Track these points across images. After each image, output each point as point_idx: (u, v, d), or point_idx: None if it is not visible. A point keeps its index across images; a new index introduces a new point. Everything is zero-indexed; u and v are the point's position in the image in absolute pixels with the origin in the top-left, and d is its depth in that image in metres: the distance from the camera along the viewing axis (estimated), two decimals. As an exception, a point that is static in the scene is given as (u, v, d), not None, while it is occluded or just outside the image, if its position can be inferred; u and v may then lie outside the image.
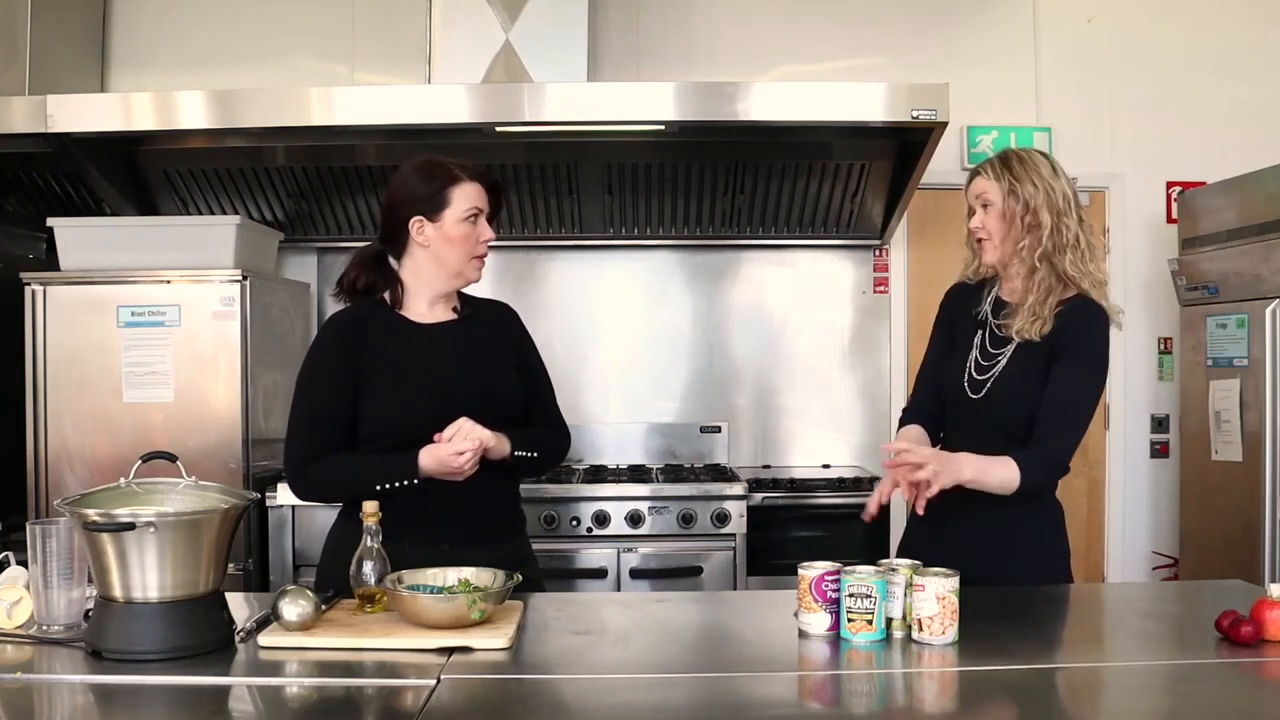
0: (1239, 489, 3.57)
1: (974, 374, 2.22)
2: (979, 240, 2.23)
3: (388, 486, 2.03)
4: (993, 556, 2.13)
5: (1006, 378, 2.17)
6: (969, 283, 2.35)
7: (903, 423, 2.37)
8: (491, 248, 2.23)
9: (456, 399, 2.09)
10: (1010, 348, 2.18)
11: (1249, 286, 3.55)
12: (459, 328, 2.20)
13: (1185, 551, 4.02)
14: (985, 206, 2.20)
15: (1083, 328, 2.14)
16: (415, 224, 2.13)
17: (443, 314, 2.20)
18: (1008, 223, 2.18)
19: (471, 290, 2.27)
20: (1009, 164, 2.19)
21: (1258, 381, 3.50)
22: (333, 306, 4.49)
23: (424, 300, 2.19)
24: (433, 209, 2.12)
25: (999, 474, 2.05)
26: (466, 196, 2.13)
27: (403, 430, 2.08)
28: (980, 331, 2.26)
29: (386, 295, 2.19)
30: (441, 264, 2.15)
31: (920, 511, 2.01)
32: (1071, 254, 2.15)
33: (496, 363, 2.21)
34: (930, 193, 4.03)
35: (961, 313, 2.33)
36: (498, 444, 2.08)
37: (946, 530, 2.13)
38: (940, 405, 2.31)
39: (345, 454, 2.11)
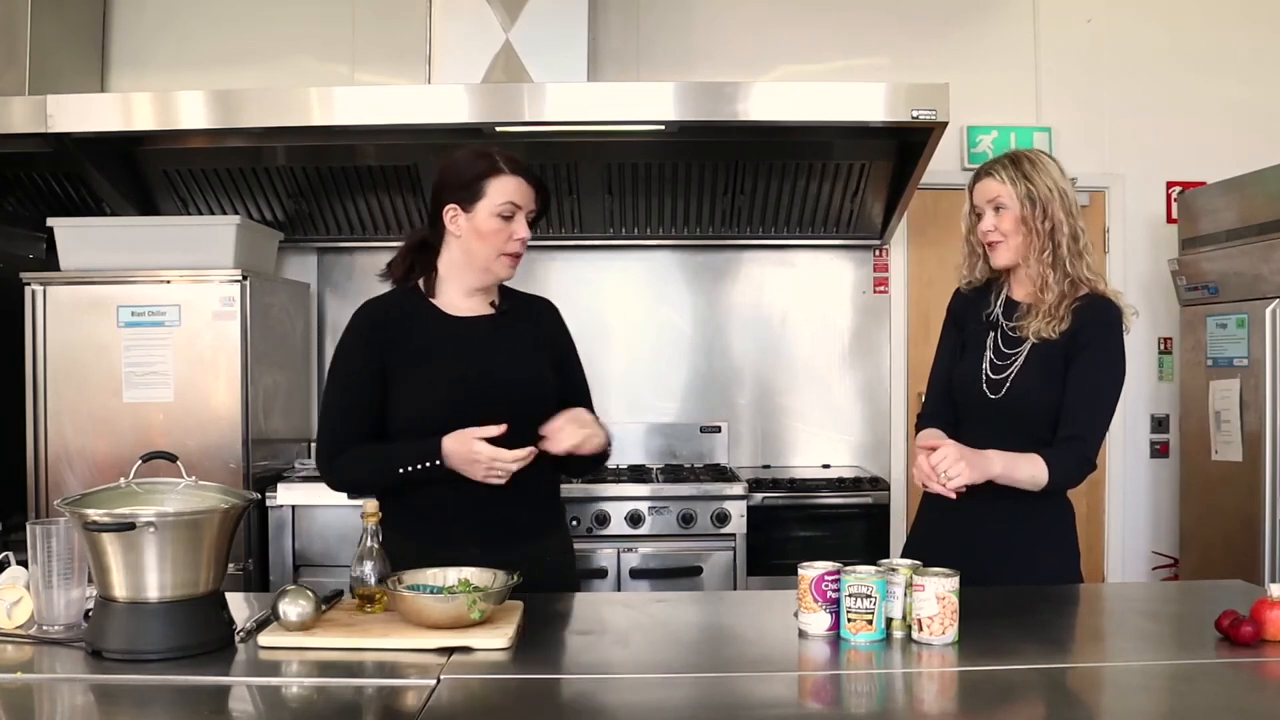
0: (1239, 489, 3.57)
1: (990, 374, 2.22)
2: (991, 243, 2.21)
3: (411, 469, 1.99)
4: (1003, 556, 2.14)
5: (1025, 377, 2.17)
6: (974, 285, 2.34)
7: (919, 428, 2.36)
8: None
9: (481, 392, 2.05)
10: (1025, 347, 2.19)
11: (1249, 286, 3.55)
12: (492, 322, 2.14)
13: (1185, 551, 4.02)
14: (998, 210, 2.18)
15: (1101, 326, 2.15)
16: (449, 212, 2.07)
17: (479, 307, 2.15)
18: (1024, 226, 2.16)
19: (516, 285, 2.22)
20: (1020, 165, 2.17)
21: (1258, 381, 3.50)
22: (332, 306, 4.51)
23: (458, 291, 2.13)
24: (468, 198, 2.05)
25: (1027, 470, 2.07)
26: (504, 190, 2.05)
27: (427, 421, 2.03)
28: (992, 333, 2.26)
29: (421, 282, 2.15)
30: (470, 257, 2.09)
31: (954, 496, 2.01)
32: (1088, 258, 2.17)
33: (527, 359, 2.15)
34: (930, 193, 4.03)
35: (970, 316, 2.32)
36: (590, 440, 2.05)
37: (957, 529, 2.14)
38: (954, 409, 2.31)
39: (372, 444, 2.07)
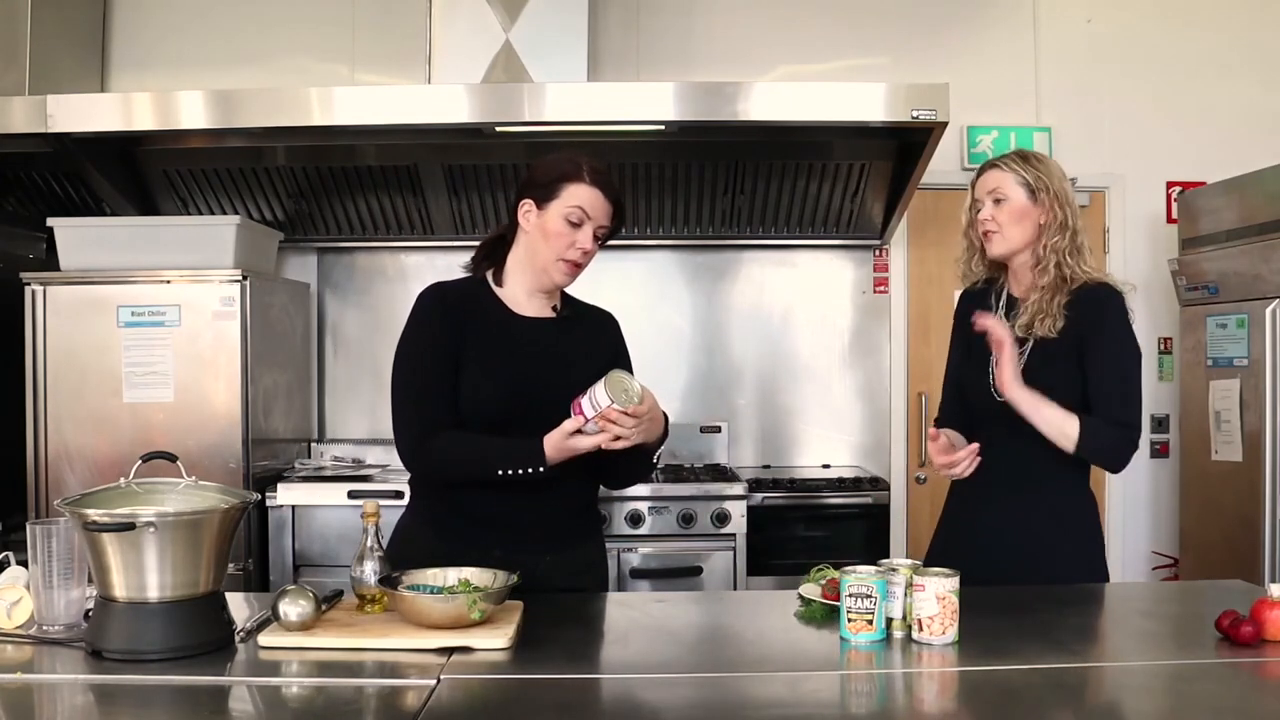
0: (1239, 489, 3.57)
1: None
2: (986, 233, 2.25)
3: (511, 473, 1.96)
4: (1030, 552, 2.16)
5: (1030, 375, 2.17)
6: (977, 286, 2.37)
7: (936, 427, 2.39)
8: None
9: (535, 394, 2.04)
10: (1029, 345, 2.20)
11: (1249, 286, 3.55)
12: (553, 326, 2.14)
13: (1185, 551, 4.02)
14: (998, 201, 2.22)
15: (1101, 312, 2.17)
16: (524, 207, 2.08)
17: (541, 309, 2.15)
18: (1022, 216, 2.20)
19: (580, 294, 2.23)
20: (1028, 159, 2.23)
21: (1258, 381, 3.50)
22: (332, 306, 4.50)
23: (520, 289, 2.13)
24: (543, 197, 2.06)
25: (1052, 415, 2.09)
26: (577, 196, 2.05)
27: (477, 414, 2.03)
28: None
29: (490, 274, 2.15)
30: (532, 255, 2.09)
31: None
32: (1087, 255, 2.20)
33: (583, 367, 2.09)
34: (930, 193, 4.03)
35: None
36: (647, 435, 2.00)
37: (981, 528, 2.18)
38: (968, 410, 2.32)
39: (467, 432, 2.04)
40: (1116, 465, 2.18)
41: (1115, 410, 2.13)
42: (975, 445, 2.14)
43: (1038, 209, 2.19)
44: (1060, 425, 2.10)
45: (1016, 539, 2.16)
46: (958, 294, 2.47)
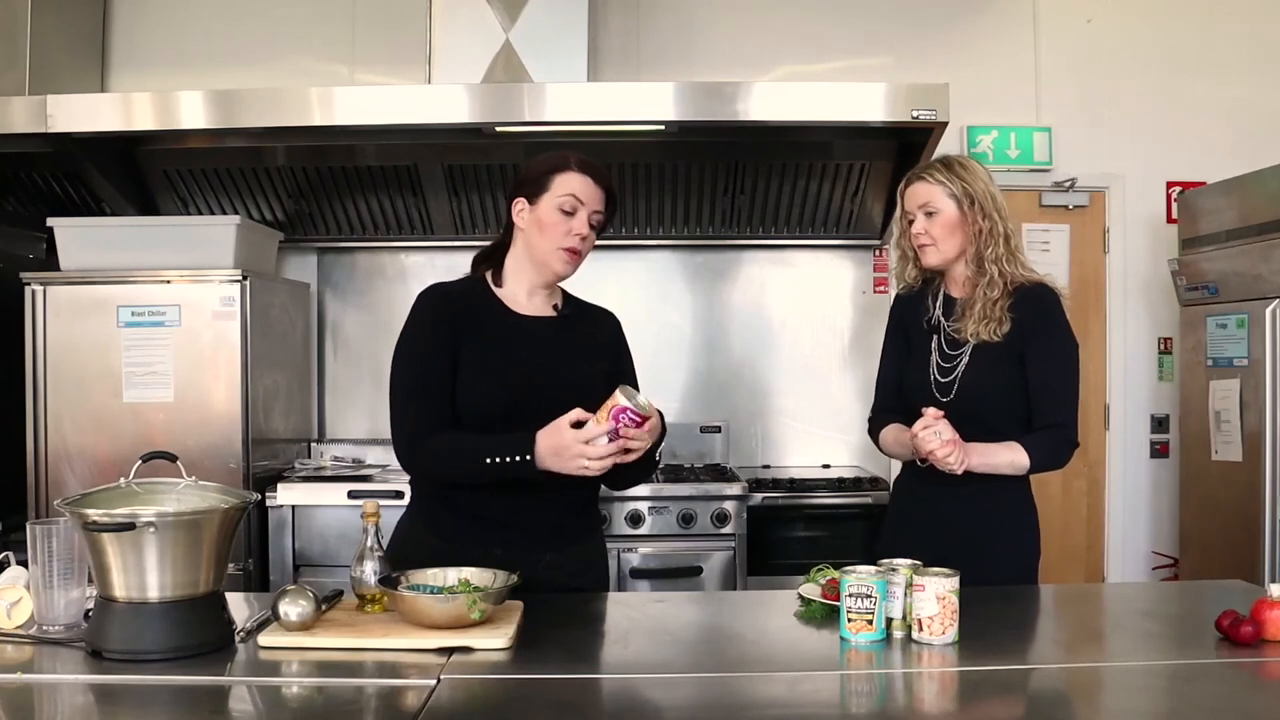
0: (1239, 489, 3.57)
1: (939, 377, 2.27)
2: (921, 246, 2.27)
3: (499, 460, 1.93)
4: (966, 547, 2.16)
5: (971, 377, 2.22)
6: (913, 290, 2.39)
7: (877, 424, 2.43)
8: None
9: (539, 391, 2.04)
10: (969, 347, 2.24)
11: (1249, 286, 3.55)
12: (555, 324, 2.15)
13: (1185, 551, 4.02)
14: (930, 215, 2.24)
15: (1041, 314, 2.21)
16: (517, 205, 2.11)
17: (541, 307, 2.15)
18: (955, 227, 2.23)
19: (580, 294, 2.25)
20: (953, 168, 2.25)
21: (1258, 381, 3.50)
22: (332, 306, 4.50)
23: (521, 288, 2.14)
24: (534, 192, 2.08)
25: (1005, 456, 2.15)
26: (567, 184, 2.07)
27: (482, 413, 2.03)
28: (935, 336, 2.31)
29: (489, 275, 2.16)
30: (531, 250, 2.10)
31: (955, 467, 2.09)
32: (1021, 256, 2.24)
33: (585, 364, 2.12)
34: (930, 193, 4.02)
35: (912, 320, 2.38)
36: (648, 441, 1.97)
37: (925, 522, 2.23)
38: (904, 408, 2.34)
39: (459, 431, 2.03)
40: (1060, 467, 2.25)
41: (1054, 411, 2.19)
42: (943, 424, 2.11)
43: (970, 216, 2.22)
44: (1012, 462, 2.16)
45: (960, 536, 2.17)
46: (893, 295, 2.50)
